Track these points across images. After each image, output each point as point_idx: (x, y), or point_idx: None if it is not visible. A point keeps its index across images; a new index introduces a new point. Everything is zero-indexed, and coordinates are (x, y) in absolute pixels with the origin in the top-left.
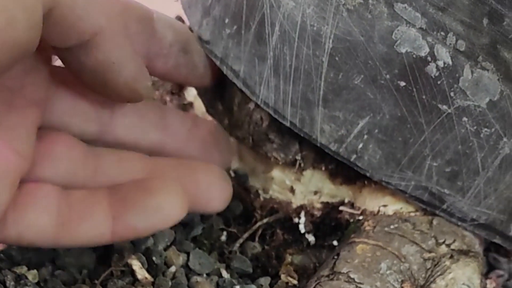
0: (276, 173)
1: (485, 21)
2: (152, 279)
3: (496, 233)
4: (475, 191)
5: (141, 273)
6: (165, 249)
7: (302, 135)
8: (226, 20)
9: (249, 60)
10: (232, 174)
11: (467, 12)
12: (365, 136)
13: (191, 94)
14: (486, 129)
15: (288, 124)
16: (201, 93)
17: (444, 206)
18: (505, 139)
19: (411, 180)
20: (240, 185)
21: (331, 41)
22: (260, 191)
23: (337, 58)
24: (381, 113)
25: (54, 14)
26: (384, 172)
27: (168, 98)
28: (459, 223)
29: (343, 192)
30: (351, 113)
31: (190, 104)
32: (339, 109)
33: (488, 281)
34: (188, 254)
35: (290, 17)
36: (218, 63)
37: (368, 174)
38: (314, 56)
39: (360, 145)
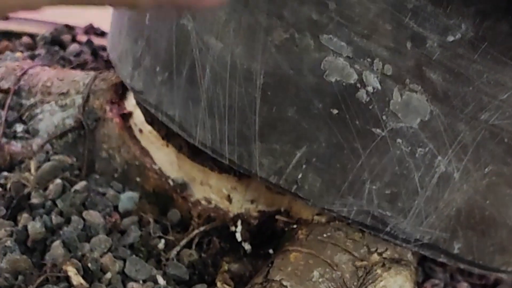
0: (213, 181)
1: (408, 44)
2: (87, 285)
3: (441, 252)
4: (416, 211)
5: (77, 279)
6: (101, 256)
7: (242, 171)
8: (157, 68)
9: (183, 104)
10: (171, 183)
11: (390, 38)
12: (304, 166)
13: (130, 103)
14: (420, 149)
15: (227, 162)
16: (141, 104)
17: (388, 229)
18: (439, 158)
19: (352, 206)
20: (179, 193)
21: (262, 77)
22: (198, 200)
23: (269, 93)
24: (317, 142)
25: None
26: (326, 200)
27: (108, 107)
28: (404, 244)
29: (279, 201)
30: (288, 144)
31: (130, 114)
32: (276, 142)
33: None
34: (124, 261)
35: (220, 58)
36: (153, 110)
37: (309, 204)
38: (247, 93)
39: (300, 175)
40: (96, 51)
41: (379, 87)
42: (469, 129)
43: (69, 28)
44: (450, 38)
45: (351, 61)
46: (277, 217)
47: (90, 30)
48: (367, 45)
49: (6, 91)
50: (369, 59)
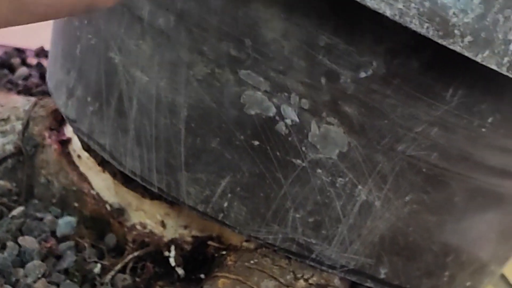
0: (147, 207)
1: (323, 80)
2: None
3: (367, 277)
4: (340, 239)
5: None
6: (35, 282)
7: (170, 199)
8: (89, 99)
9: (113, 133)
10: (108, 208)
11: (305, 74)
12: (229, 195)
13: (69, 130)
14: (340, 178)
15: (156, 190)
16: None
17: (313, 256)
18: (360, 187)
19: (278, 233)
20: (115, 218)
21: (185, 109)
22: (134, 225)
23: (193, 125)
24: (240, 172)
25: None
26: (251, 228)
27: (47, 134)
28: (330, 270)
29: (211, 227)
30: (213, 174)
31: (68, 140)
32: (201, 172)
33: None
34: (58, 286)
35: (146, 91)
36: (85, 139)
37: (236, 231)
38: (172, 125)
39: (226, 204)
40: (45, 75)
41: (297, 120)
42: (387, 160)
43: (19, 51)
44: (363, 75)
45: (269, 95)
46: (209, 242)
47: (41, 53)
48: (284, 80)
49: None
50: (286, 94)
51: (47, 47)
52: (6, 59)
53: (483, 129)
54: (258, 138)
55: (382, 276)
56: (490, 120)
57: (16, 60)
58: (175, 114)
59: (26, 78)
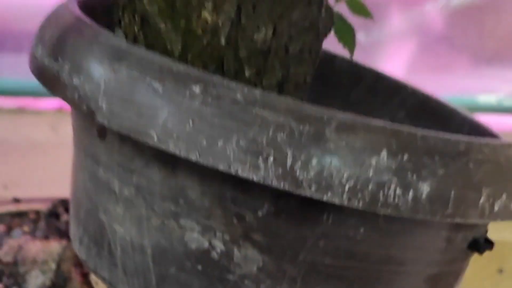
0: None
1: (235, 220)
2: None
3: None
4: None
5: None
6: None
7: None
8: (91, 245)
9: (108, 268)
10: None
11: (222, 217)
12: None
13: None
14: (262, 284)
15: None
16: None
17: None
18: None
19: None
20: None
21: (150, 249)
22: None
23: (156, 259)
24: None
25: None
26: None
27: (73, 270)
28: None
29: None
30: None
31: (89, 273)
32: None
33: None
34: None
35: (123, 238)
36: (94, 274)
37: None
38: (144, 259)
39: None
40: None
41: (224, 249)
42: (293, 266)
43: (63, 201)
44: (260, 213)
45: (202, 234)
46: None
47: None
48: (209, 223)
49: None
50: (212, 232)
51: None
52: (54, 209)
53: None
54: (200, 264)
55: None
56: None
57: (61, 209)
58: (144, 252)
59: (68, 222)
